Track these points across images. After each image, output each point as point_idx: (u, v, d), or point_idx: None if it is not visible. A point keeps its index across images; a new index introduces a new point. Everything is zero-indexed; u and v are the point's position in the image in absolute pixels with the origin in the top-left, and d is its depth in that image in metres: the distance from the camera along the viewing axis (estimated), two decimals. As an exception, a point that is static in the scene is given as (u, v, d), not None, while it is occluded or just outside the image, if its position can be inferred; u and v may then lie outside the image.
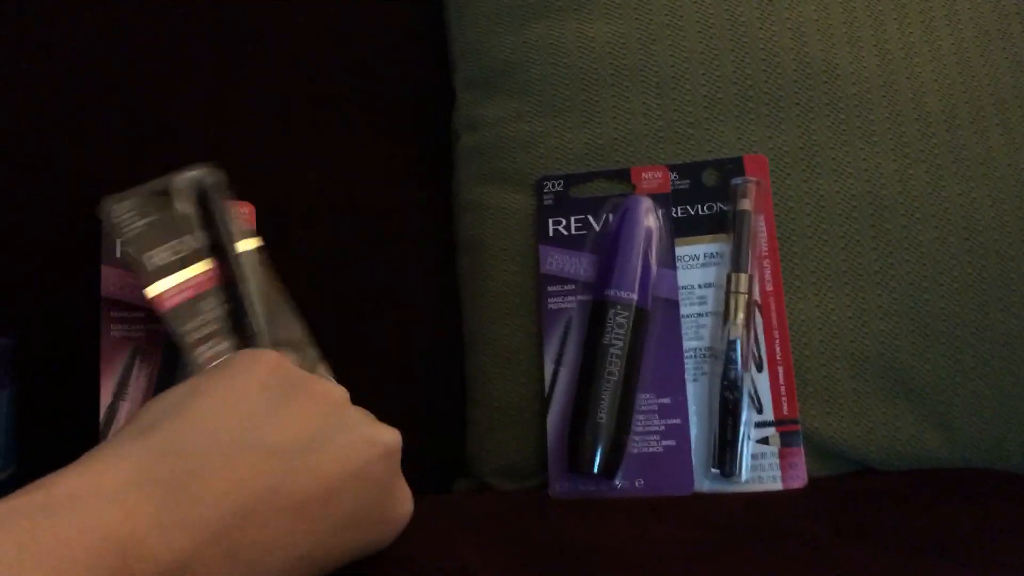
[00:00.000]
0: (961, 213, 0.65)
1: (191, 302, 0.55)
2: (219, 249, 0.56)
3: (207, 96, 0.70)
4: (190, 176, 0.56)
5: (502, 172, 0.69)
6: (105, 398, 0.56)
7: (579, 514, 0.56)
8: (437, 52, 0.76)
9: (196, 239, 0.56)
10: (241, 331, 0.56)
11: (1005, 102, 0.67)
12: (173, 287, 0.54)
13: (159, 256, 0.54)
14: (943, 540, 0.50)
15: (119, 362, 0.57)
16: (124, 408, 0.56)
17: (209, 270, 0.56)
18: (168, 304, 0.54)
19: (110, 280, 0.58)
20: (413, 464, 0.64)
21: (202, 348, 0.54)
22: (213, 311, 0.55)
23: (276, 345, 0.56)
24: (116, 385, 0.57)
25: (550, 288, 0.65)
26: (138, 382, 0.57)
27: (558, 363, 0.64)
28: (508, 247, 0.68)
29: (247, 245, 0.57)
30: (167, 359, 0.57)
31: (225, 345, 0.55)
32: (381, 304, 0.68)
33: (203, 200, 0.57)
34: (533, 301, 0.66)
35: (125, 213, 0.54)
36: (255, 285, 0.56)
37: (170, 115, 0.68)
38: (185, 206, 0.56)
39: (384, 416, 0.62)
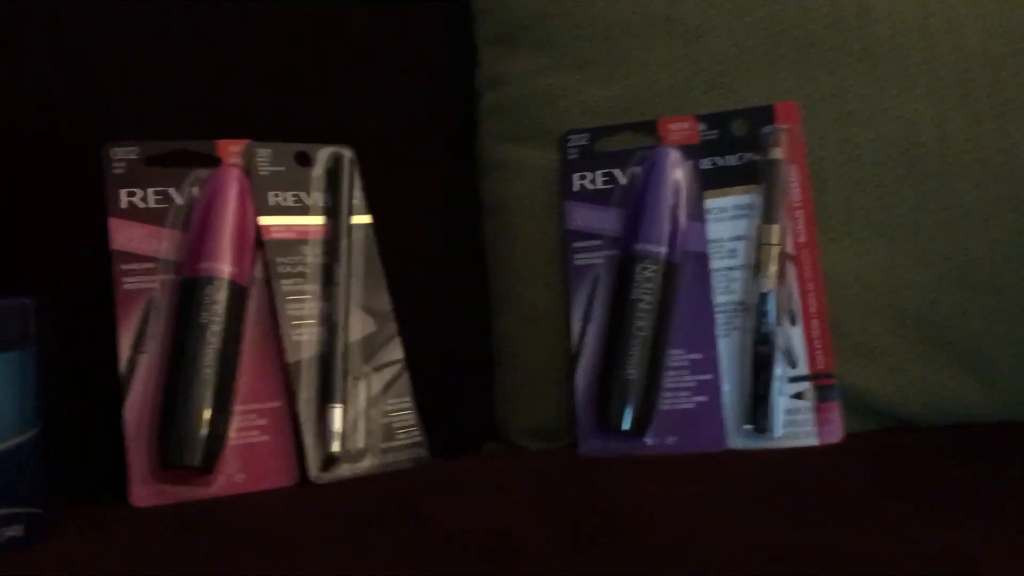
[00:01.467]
0: (1001, 159, 0.63)
1: (293, 242, 0.61)
2: (336, 213, 0.63)
3: (217, 56, 0.69)
4: (330, 148, 0.64)
5: (526, 129, 0.68)
6: (124, 351, 0.56)
7: (610, 473, 0.55)
8: (458, 8, 0.75)
9: (318, 198, 0.63)
10: (327, 282, 0.61)
11: (1046, 43, 0.65)
12: (281, 224, 0.61)
13: (281, 197, 0.61)
14: (984, 496, 0.49)
15: (135, 315, 0.57)
16: (144, 360, 0.56)
17: (320, 226, 0.62)
18: (271, 235, 0.60)
19: (118, 232, 0.58)
20: (443, 427, 0.64)
21: (286, 282, 0.60)
22: (308, 257, 0.61)
23: (362, 309, 0.62)
24: (134, 338, 0.56)
25: (576, 244, 0.64)
26: (155, 334, 0.57)
27: (586, 320, 0.63)
28: (533, 205, 0.67)
29: (361, 219, 0.64)
30: (181, 309, 0.57)
31: (307, 287, 0.61)
32: (406, 268, 0.67)
33: (336, 171, 0.64)
34: (559, 260, 0.65)
35: (262, 156, 0.62)
36: (355, 252, 0.63)
37: (174, 68, 0.68)
38: (319, 170, 0.64)
39: (414, 378, 0.62)
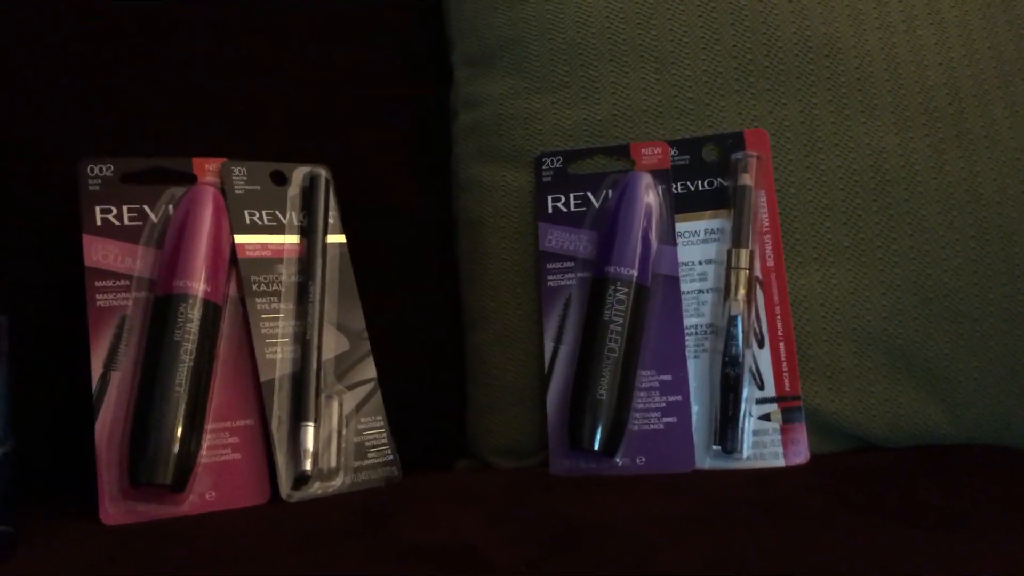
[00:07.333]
0: (964, 187, 0.64)
1: (267, 261, 0.61)
2: (311, 233, 0.63)
3: (198, 72, 0.69)
4: (306, 168, 0.65)
5: (500, 150, 0.69)
6: (96, 369, 0.56)
7: (580, 491, 0.56)
8: (434, 29, 0.75)
9: (293, 217, 0.63)
10: (301, 300, 0.62)
11: (1008, 75, 0.66)
12: (256, 242, 0.61)
13: (256, 215, 0.62)
14: (945, 515, 0.50)
15: (108, 332, 0.57)
16: (115, 378, 0.56)
17: (295, 245, 0.63)
18: (246, 253, 0.61)
19: (93, 249, 0.58)
20: (414, 444, 0.64)
21: (260, 300, 0.60)
22: (283, 276, 0.62)
23: (336, 327, 0.63)
24: (106, 355, 0.56)
25: (549, 265, 0.65)
26: (128, 351, 0.57)
27: (558, 341, 0.64)
28: (507, 225, 0.68)
29: (335, 239, 0.64)
30: (154, 327, 0.57)
31: (281, 306, 0.61)
32: (380, 285, 0.67)
33: (311, 190, 0.64)
34: (532, 279, 0.66)
35: (238, 174, 0.62)
36: (329, 271, 0.63)
37: (150, 84, 0.68)
38: (294, 189, 0.64)
39: (385, 396, 0.63)
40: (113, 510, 0.54)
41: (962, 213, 0.64)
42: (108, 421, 0.55)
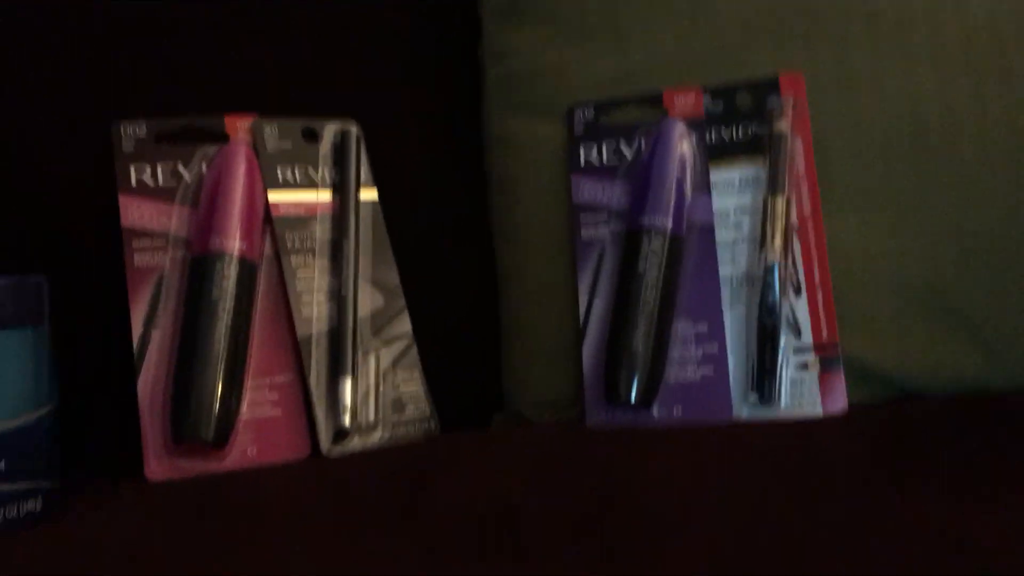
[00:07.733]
0: (1005, 130, 0.63)
1: (301, 218, 0.61)
2: (343, 189, 0.63)
3: (227, 33, 0.69)
4: (336, 124, 0.64)
5: (531, 103, 0.68)
6: (136, 328, 0.57)
7: (618, 444, 0.56)
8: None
9: (326, 173, 0.63)
10: (335, 257, 0.62)
11: (1051, 12, 0.65)
12: (290, 200, 0.61)
13: (289, 173, 0.62)
14: (984, 471, 0.49)
15: (147, 291, 0.58)
16: (156, 337, 0.57)
17: (328, 202, 0.63)
18: (280, 211, 0.61)
19: (129, 209, 0.58)
20: (452, 400, 0.65)
21: (295, 257, 0.61)
22: (317, 233, 0.61)
23: (371, 283, 0.63)
24: (145, 315, 0.57)
25: (583, 217, 0.64)
26: (166, 310, 0.57)
27: (592, 293, 0.63)
28: (539, 179, 0.67)
29: (368, 195, 0.64)
30: (192, 286, 0.57)
31: (316, 262, 0.61)
32: (413, 242, 0.67)
33: (343, 146, 0.64)
34: (566, 232, 0.66)
35: (269, 132, 0.62)
36: (363, 227, 0.63)
37: (182, 46, 0.68)
38: (326, 146, 0.64)
39: (421, 352, 0.63)
40: (157, 467, 0.55)
41: (1002, 157, 0.63)
42: (150, 379, 0.56)
